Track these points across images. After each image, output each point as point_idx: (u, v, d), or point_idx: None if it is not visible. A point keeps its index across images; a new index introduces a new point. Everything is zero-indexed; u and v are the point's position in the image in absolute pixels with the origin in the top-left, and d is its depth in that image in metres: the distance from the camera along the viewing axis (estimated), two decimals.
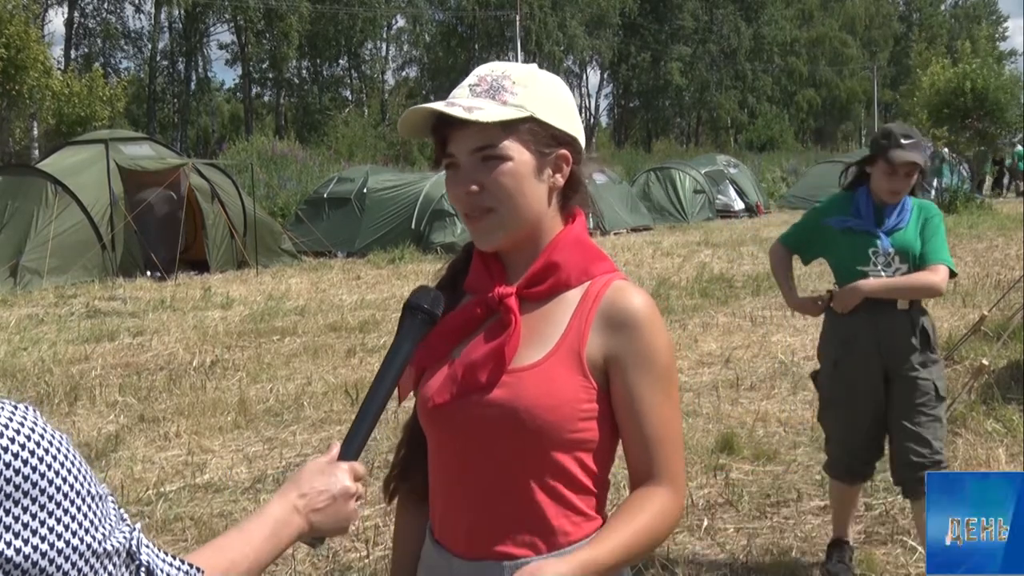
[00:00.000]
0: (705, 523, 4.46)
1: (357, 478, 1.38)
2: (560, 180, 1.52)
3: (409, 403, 1.65)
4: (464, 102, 1.45)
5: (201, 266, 14.74)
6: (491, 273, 1.54)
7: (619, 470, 1.54)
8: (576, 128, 1.53)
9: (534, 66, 1.54)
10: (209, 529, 4.58)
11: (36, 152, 24.71)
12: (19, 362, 8.41)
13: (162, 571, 1.06)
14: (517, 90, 1.47)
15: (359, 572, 4.10)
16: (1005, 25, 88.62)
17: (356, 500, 1.37)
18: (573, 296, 1.51)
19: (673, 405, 1.51)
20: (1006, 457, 5.20)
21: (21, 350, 8.91)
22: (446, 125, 1.46)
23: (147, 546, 1.05)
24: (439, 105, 1.44)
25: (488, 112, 1.43)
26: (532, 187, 1.48)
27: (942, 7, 78.65)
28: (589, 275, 1.52)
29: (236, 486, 5.21)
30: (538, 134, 1.47)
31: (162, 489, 5.17)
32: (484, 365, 1.46)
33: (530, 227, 1.51)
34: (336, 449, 1.40)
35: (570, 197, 1.56)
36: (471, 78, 1.50)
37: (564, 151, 1.51)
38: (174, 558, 1.09)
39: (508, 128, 1.45)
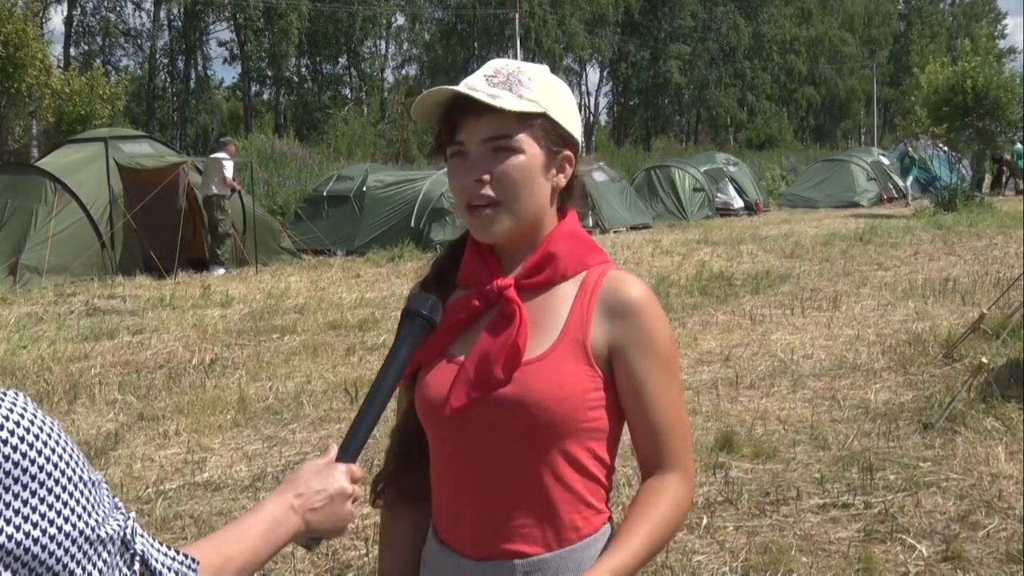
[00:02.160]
0: (704, 521, 4.46)
1: (354, 480, 1.37)
2: (562, 180, 1.52)
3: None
4: (484, 89, 1.44)
5: (200, 264, 14.74)
6: (487, 266, 1.53)
7: (621, 467, 1.53)
8: (579, 133, 1.54)
9: (546, 67, 1.54)
10: (209, 527, 4.58)
11: (35, 150, 24.70)
12: (18, 360, 8.41)
13: (157, 560, 1.05)
14: (532, 86, 1.47)
15: (358, 570, 4.10)
16: (1004, 23, 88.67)
17: (353, 502, 1.37)
18: (570, 287, 1.51)
19: (677, 391, 1.50)
20: (1005, 455, 5.21)
21: (20, 348, 8.90)
22: (459, 112, 1.45)
23: (141, 535, 1.04)
24: (463, 88, 1.43)
25: (508, 101, 1.42)
26: (539, 183, 1.48)
27: (941, 5, 78.65)
28: (585, 265, 1.52)
29: (236, 484, 5.21)
30: (549, 132, 1.47)
31: (162, 487, 5.18)
32: (497, 360, 1.45)
33: (530, 223, 1.50)
34: (334, 451, 1.40)
35: (566, 200, 1.56)
36: (487, 69, 1.50)
37: (569, 152, 1.51)
38: (169, 548, 1.09)
39: (523, 122, 1.45)
